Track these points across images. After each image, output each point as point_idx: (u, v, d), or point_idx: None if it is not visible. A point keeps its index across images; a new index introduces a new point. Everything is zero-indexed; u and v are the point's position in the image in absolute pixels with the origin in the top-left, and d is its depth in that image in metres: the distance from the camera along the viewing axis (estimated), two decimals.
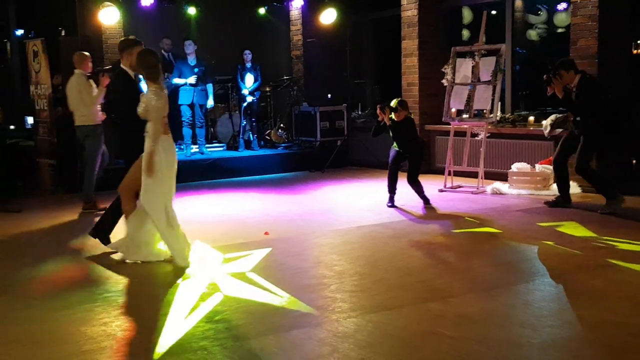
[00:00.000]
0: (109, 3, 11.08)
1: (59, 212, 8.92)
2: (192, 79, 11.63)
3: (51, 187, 10.53)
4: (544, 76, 8.24)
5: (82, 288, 5.64)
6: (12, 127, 12.73)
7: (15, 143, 11.49)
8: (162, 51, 12.46)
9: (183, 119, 11.81)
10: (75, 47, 10.11)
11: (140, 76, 6.63)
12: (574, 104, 8.13)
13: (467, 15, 12.09)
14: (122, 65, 6.74)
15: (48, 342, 4.48)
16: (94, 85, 8.89)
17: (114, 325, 4.73)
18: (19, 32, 14.16)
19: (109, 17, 11.41)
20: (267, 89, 13.08)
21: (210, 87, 12.03)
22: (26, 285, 5.81)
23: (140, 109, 6.11)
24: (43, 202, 9.82)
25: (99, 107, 8.90)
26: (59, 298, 5.39)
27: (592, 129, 8.06)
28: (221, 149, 12.77)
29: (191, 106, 11.80)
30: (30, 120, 11.98)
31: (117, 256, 6.48)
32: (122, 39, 6.64)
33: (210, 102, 12.10)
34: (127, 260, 6.35)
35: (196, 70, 11.66)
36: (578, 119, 8.19)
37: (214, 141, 12.89)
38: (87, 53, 9.11)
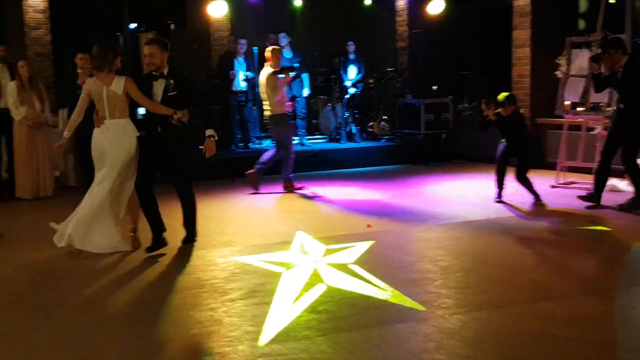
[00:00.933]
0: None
1: (165, 199, 9.20)
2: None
3: (158, 176, 10.84)
4: (594, 54, 7.94)
5: (189, 274, 5.81)
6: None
7: None
8: (266, 44, 12.61)
9: None
10: (184, 40, 10.42)
11: None
12: (618, 84, 7.80)
13: (582, 3, 11.66)
14: None
15: (160, 323, 4.65)
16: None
17: (220, 311, 4.85)
18: (132, 25, 14.66)
19: (217, 10, 11.67)
20: (371, 81, 13.03)
21: (306, 76, 12.05)
22: (141, 267, 6.04)
23: None
24: None
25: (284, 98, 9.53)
26: (168, 283, 5.57)
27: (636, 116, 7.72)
28: (323, 141, 12.84)
29: (290, 99, 11.89)
30: (141, 110, 12.38)
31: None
32: None
33: (305, 92, 12.14)
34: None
35: (295, 64, 11.73)
36: (622, 106, 7.84)
37: (316, 133, 12.97)
38: (278, 47, 9.66)
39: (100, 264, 6.16)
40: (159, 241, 6.54)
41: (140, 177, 6.42)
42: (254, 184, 9.64)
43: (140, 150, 6.42)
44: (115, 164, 6.30)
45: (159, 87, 6.33)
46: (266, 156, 9.75)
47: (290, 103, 10.04)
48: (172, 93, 6.30)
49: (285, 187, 9.67)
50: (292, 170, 9.74)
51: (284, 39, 11.86)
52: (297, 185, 9.73)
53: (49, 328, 4.63)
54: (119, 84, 6.24)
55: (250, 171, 9.67)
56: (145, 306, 5.03)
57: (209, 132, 6.46)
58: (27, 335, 4.52)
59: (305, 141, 12.22)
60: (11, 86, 9.05)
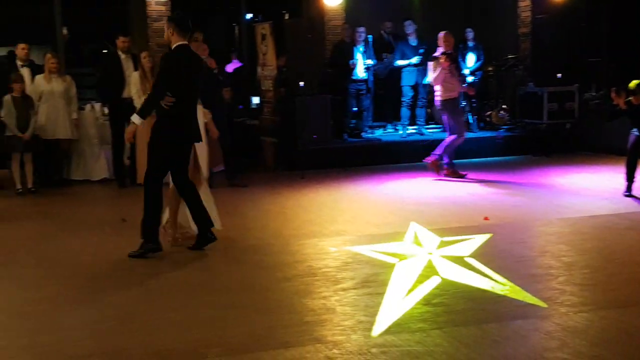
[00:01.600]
0: None
1: (280, 188, 9.33)
2: (415, 59, 11.56)
3: (273, 165, 11.03)
4: None
5: (301, 262, 5.83)
6: (239, 106, 13.50)
7: (242, 122, 12.17)
8: (382, 32, 12.55)
9: (404, 100, 11.81)
10: (299, 30, 10.49)
11: None
12: None
13: None
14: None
15: (273, 309, 4.69)
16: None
17: (332, 299, 4.84)
18: (248, 16, 14.97)
19: None
20: (490, 69, 12.67)
21: (429, 65, 11.85)
22: (253, 255, 6.12)
23: None
24: (265, 178, 10.31)
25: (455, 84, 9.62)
26: (279, 270, 5.62)
27: None
28: (438, 130, 12.62)
29: (414, 87, 11.75)
30: (256, 100, 12.63)
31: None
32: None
33: (428, 78, 11.94)
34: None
35: (421, 50, 11.56)
36: None
37: (431, 122, 12.77)
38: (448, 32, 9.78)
39: (210, 247, 6.28)
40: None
41: None
42: (437, 170, 9.73)
43: None
44: None
45: None
46: (443, 144, 9.72)
47: (465, 86, 10.18)
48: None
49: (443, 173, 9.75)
50: (452, 157, 9.80)
51: (409, 27, 11.69)
52: (445, 171, 9.79)
53: (170, 311, 4.76)
54: None
55: (430, 158, 9.76)
56: (258, 292, 5.09)
57: (135, 117, 5.97)
58: (150, 315, 4.67)
59: (423, 130, 12.05)
60: (134, 76, 9.37)
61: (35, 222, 7.74)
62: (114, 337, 4.30)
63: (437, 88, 9.71)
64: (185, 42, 6.01)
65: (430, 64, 9.85)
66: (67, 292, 5.22)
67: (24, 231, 7.31)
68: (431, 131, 12.35)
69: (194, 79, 6.11)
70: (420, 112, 12.00)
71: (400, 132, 12.01)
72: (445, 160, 9.74)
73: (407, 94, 11.77)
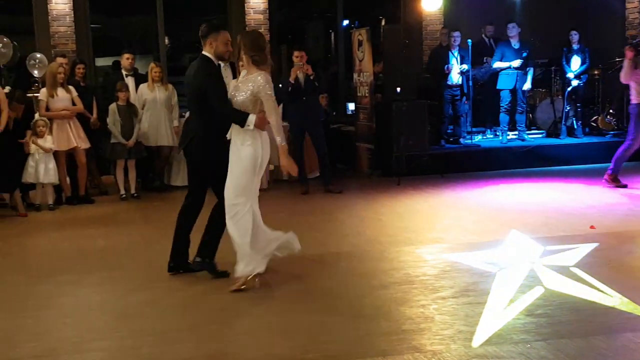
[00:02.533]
0: None
1: (375, 195, 9.31)
2: (516, 62, 11.30)
3: (368, 171, 11.02)
4: None
5: (398, 269, 5.78)
6: (334, 112, 13.56)
7: (337, 128, 12.23)
8: (483, 36, 12.34)
9: (502, 105, 11.58)
10: (396, 35, 10.45)
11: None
12: None
13: None
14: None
15: (370, 317, 4.68)
16: None
17: (431, 308, 4.78)
18: (345, 22, 15.00)
19: (431, 4, 11.56)
20: (596, 72, 12.26)
21: (531, 70, 11.60)
22: (349, 262, 6.12)
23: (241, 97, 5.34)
24: (361, 184, 10.30)
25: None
26: (375, 277, 5.59)
27: None
28: (541, 135, 12.30)
29: (512, 91, 11.49)
30: (351, 106, 12.66)
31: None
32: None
33: (527, 85, 11.67)
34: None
35: (524, 54, 11.29)
36: None
37: (533, 127, 12.46)
38: None
39: (306, 254, 6.31)
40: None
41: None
42: (616, 183, 9.23)
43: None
44: None
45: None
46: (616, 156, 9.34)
47: None
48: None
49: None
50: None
51: (512, 29, 11.45)
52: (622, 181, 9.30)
53: (270, 315, 4.85)
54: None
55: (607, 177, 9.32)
56: (354, 299, 5.08)
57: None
58: (250, 319, 4.78)
59: (524, 136, 11.78)
60: (233, 84, 9.53)
61: (139, 227, 7.99)
62: (215, 340, 4.39)
63: (632, 86, 9.10)
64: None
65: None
66: (169, 296, 5.36)
67: (128, 236, 7.53)
68: (533, 137, 12.06)
69: None
70: (520, 118, 11.72)
71: (500, 137, 11.78)
72: (612, 166, 9.29)
73: (505, 98, 11.53)
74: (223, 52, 5.58)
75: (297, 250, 5.66)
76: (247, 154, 5.28)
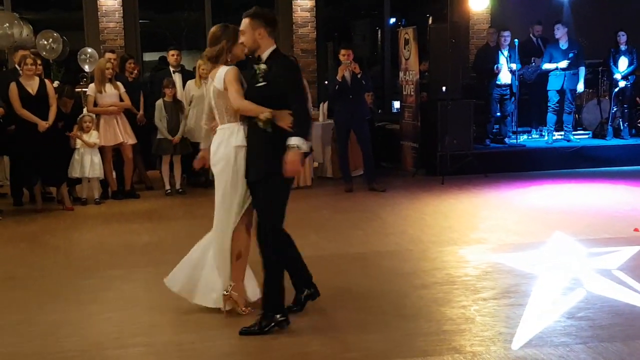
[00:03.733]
0: None
1: (419, 193, 9.33)
2: (563, 64, 11.18)
3: (412, 169, 11.04)
4: None
5: (440, 269, 5.82)
6: (379, 111, 13.60)
7: (382, 126, 12.26)
8: (531, 36, 12.25)
9: (549, 105, 11.48)
10: (443, 34, 10.44)
11: None
12: None
13: None
14: None
15: (411, 317, 4.73)
16: None
17: (472, 309, 4.81)
18: (392, 20, 15.03)
19: (478, 3, 11.52)
20: None
21: (582, 70, 11.46)
22: (391, 261, 6.17)
23: None
24: (405, 183, 10.32)
25: None
26: (417, 277, 5.63)
27: None
28: (587, 136, 12.17)
29: (560, 92, 11.39)
30: (397, 104, 12.68)
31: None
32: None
33: (580, 87, 11.55)
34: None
35: (570, 55, 11.18)
36: None
37: (579, 128, 12.33)
38: None
39: (348, 252, 6.36)
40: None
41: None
42: None
43: None
44: (222, 183, 4.80)
45: (249, 76, 4.64)
46: None
47: None
48: (261, 84, 4.49)
49: None
50: None
51: (559, 30, 11.34)
52: None
53: (313, 313, 4.87)
54: (220, 76, 4.63)
55: None
56: (395, 298, 5.13)
57: (293, 140, 4.35)
58: (293, 316, 4.72)
59: (570, 136, 11.66)
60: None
61: (183, 223, 8.06)
62: (256, 337, 4.42)
63: None
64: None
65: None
66: None
67: (173, 231, 7.63)
68: (578, 138, 11.93)
69: None
70: (568, 118, 11.61)
71: (546, 138, 11.69)
72: None
73: (553, 98, 11.43)
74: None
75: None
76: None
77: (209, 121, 4.90)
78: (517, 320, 4.55)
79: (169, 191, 9.71)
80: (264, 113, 4.37)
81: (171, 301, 5.14)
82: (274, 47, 4.59)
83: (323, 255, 6.32)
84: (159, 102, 9.54)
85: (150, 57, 13.83)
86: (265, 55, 4.54)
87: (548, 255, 6.12)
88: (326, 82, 9.64)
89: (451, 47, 10.39)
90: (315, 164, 10.41)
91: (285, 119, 4.37)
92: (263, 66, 4.49)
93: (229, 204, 4.75)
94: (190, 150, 9.83)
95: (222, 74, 4.58)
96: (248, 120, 4.54)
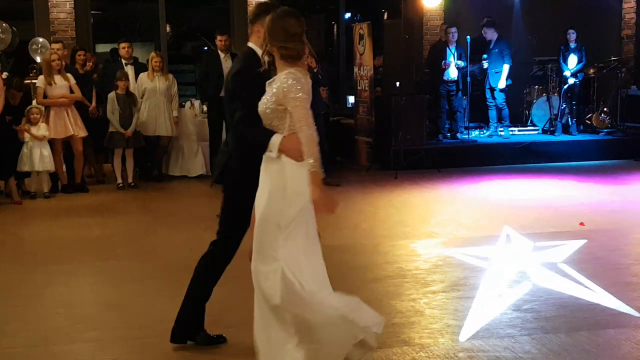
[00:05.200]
0: None
1: (373, 188, 9.42)
2: (485, 63, 11.55)
3: (367, 164, 11.13)
4: None
5: (392, 263, 5.90)
6: (334, 105, 13.63)
7: (337, 121, 12.32)
8: (483, 32, 12.43)
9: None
10: (397, 30, 10.53)
11: None
12: None
13: None
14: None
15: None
16: None
17: (421, 302, 4.90)
18: (347, 15, 15.09)
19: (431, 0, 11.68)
20: (592, 71, 12.36)
21: (504, 68, 11.50)
22: (344, 255, 6.22)
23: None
24: (359, 177, 10.40)
25: None
26: (369, 270, 5.71)
27: None
28: (536, 132, 12.42)
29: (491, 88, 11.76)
30: (351, 99, 12.76)
31: None
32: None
33: (501, 84, 11.61)
34: None
35: (485, 56, 11.49)
36: None
37: (528, 124, 12.58)
38: None
39: None
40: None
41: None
42: None
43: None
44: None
45: None
46: None
47: None
48: None
49: None
50: None
51: (487, 33, 11.60)
52: None
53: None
54: None
55: None
56: (347, 292, 5.10)
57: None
58: (246, 309, 4.78)
59: (497, 131, 11.96)
60: None
61: (135, 217, 8.03)
62: (210, 329, 4.35)
63: None
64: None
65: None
66: (164, 286, 5.37)
67: (124, 225, 7.57)
68: (528, 133, 12.19)
69: None
70: (491, 114, 11.90)
71: (487, 132, 11.95)
72: None
73: (487, 95, 11.81)
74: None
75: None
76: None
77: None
78: (465, 313, 4.65)
79: (121, 185, 9.62)
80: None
81: (120, 296, 5.14)
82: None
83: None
84: (111, 95, 9.45)
85: (103, 48, 13.64)
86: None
87: (497, 249, 6.25)
88: None
89: (405, 43, 10.49)
90: None
91: None
92: None
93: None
94: (143, 144, 9.81)
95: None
96: None
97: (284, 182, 3.61)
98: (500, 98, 11.72)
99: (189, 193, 9.72)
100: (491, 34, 11.62)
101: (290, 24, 3.56)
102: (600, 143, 11.81)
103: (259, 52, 3.83)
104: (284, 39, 3.53)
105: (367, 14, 14.79)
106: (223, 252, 4.24)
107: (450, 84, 11.54)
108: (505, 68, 11.52)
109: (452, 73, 11.46)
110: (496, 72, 11.59)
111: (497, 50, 11.51)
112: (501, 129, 11.93)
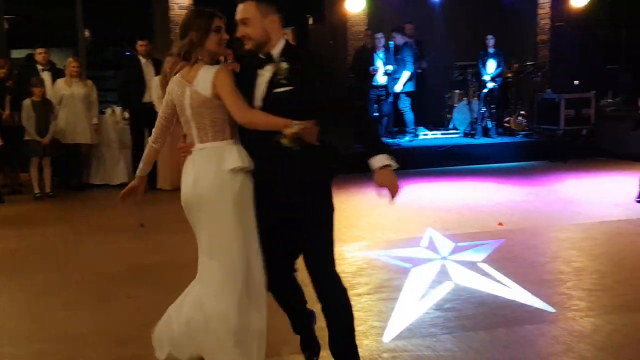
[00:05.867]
0: None
1: None
2: (389, 67, 11.74)
3: None
4: None
5: None
6: None
7: None
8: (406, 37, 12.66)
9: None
10: (322, 35, 10.63)
11: None
12: None
13: None
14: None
15: (281, 316, 4.77)
16: None
17: None
18: None
19: (354, 5, 11.81)
20: (509, 75, 12.77)
21: (403, 74, 11.75)
22: None
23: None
24: None
25: None
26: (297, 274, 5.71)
27: None
28: (457, 135, 12.72)
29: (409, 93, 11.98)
30: None
31: None
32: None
33: (397, 88, 11.85)
34: None
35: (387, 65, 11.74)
36: None
37: (450, 128, 12.88)
38: None
39: None
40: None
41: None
42: None
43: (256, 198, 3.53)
44: (221, 222, 3.46)
45: (262, 79, 3.42)
46: None
47: None
48: (283, 89, 3.35)
49: None
50: None
51: (396, 37, 11.85)
52: None
53: None
54: (205, 79, 3.38)
55: None
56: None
57: (380, 159, 3.58)
58: None
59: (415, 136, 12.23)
60: (155, 81, 9.42)
61: (54, 227, 7.82)
62: (132, 343, 4.32)
63: None
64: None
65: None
66: (85, 298, 5.28)
67: (42, 236, 7.38)
68: (450, 136, 12.47)
69: None
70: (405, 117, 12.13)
71: (407, 138, 12.19)
72: None
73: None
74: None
75: None
76: None
77: (161, 138, 3.61)
78: (389, 314, 4.72)
79: (39, 195, 9.38)
80: (291, 127, 3.21)
81: (40, 310, 5.03)
82: (285, 40, 3.50)
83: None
84: (27, 102, 9.20)
85: (19, 54, 13.28)
86: (276, 51, 3.41)
87: (420, 251, 6.37)
88: None
89: (330, 48, 10.59)
90: None
91: (312, 132, 3.30)
92: (284, 65, 3.35)
93: (241, 241, 3.47)
94: (62, 152, 9.59)
95: (209, 76, 3.36)
96: (259, 137, 3.37)
97: None
98: (402, 103, 11.95)
99: (111, 202, 9.47)
100: (399, 39, 11.85)
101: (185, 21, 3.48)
102: (517, 145, 12.19)
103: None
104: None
105: (292, 19, 14.84)
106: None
107: (380, 89, 11.71)
108: (405, 74, 11.73)
109: (381, 78, 11.63)
110: (396, 78, 11.81)
111: (399, 56, 11.74)
112: (422, 132, 12.17)
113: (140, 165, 3.67)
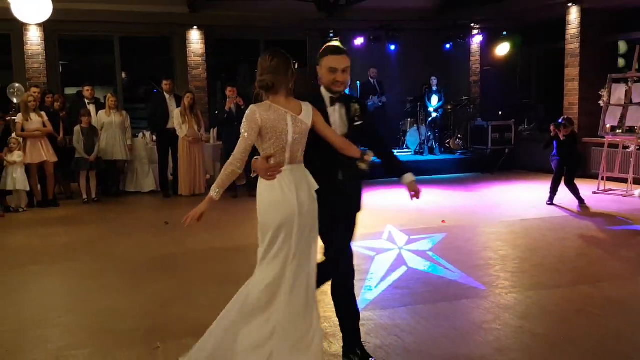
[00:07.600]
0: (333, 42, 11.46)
1: None
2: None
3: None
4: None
5: None
6: None
7: None
8: (369, 78, 12.66)
9: None
10: (305, 77, 10.59)
11: None
12: None
13: (622, 46, 10.89)
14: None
15: None
16: None
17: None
18: None
19: None
20: (449, 107, 12.80)
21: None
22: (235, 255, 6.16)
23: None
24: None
25: None
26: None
27: None
28: (409, 153, 12.73)
29: None
30: None
31: None
32: None
33: None
34: None
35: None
36: None
37: (404, 147, 12.88)
38: None
39: (206, 250, 6.35)
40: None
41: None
42: None
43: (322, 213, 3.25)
44: (310, 235, 3.19)
45: (337, 115, 3.32)
46: None
47: None
48: (359, 122, 3.34)
49: None
50: None
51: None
52: None
53: (201, 295, 4.82)
54: (308, 112, 3.14)
55: None
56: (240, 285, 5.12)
57: (409, 176, 3.68)
58: (185, 299, 4.71)
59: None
60: (176, 112, 9.56)
61: (96, 226, 7.72)
62: (156, 316, 4.30)
63: None
64: None
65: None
66: (118, 282, 5.22)
67: (86, 233, 7.29)
68: (404, 154, 12.46)
69: None
70: None
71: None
72: None
73: None
74: (326, 82, 3.31)
75: None
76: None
77: (243, 161, 3.22)
78: (358, 292, 4.65)
79: (86, 200, 9.28)
80: (367, 154, 3.22)
81: (81, 291, 4.96)
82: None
83: (213, 248, 6.26)
84: (77, 128, 9.15)
85: (70, 91, 13.16)
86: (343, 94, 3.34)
87: (382, 242, 6.36)
88: (216, 112, 9.53)
89: (313, 88, 10.54)
90: (208, 176, 10.29)
91: (370, 157, 3.25)
92: (357, 104, 3.34)
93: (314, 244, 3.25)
94: (104, 167, 9.56)
95: (309, 109, 3.14)
96: (346, 161, 3.24)
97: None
98: None
99: (141, 205, 9.45)
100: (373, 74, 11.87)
101: (264, 60, 3.12)
102: (456, 161, 12.20)
103: (323, 92, 3.34)
104: (259, 72, 3.13)
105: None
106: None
107: None
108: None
109: None
110: None
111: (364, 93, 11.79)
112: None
113: (219, 190, 3.37)
